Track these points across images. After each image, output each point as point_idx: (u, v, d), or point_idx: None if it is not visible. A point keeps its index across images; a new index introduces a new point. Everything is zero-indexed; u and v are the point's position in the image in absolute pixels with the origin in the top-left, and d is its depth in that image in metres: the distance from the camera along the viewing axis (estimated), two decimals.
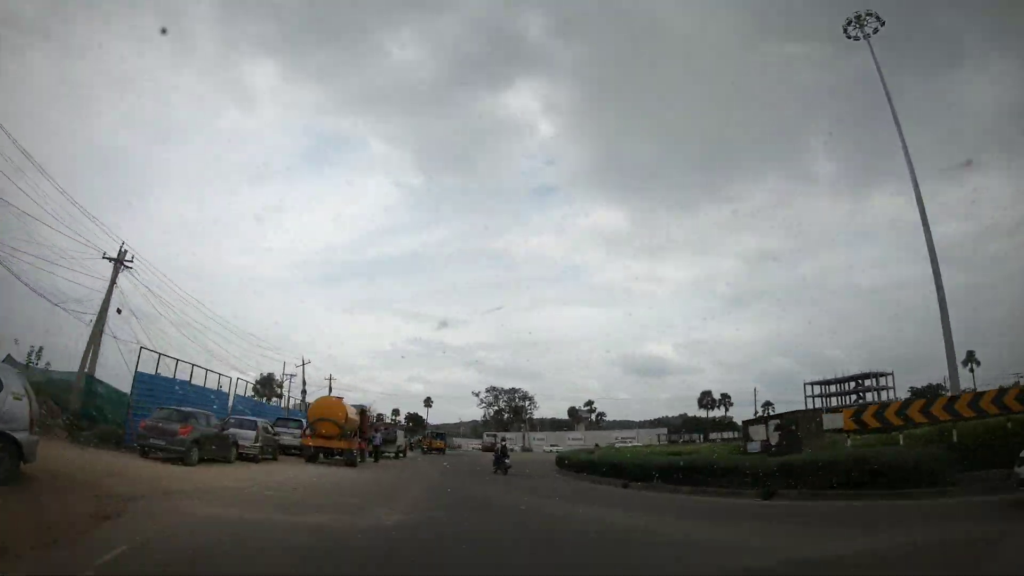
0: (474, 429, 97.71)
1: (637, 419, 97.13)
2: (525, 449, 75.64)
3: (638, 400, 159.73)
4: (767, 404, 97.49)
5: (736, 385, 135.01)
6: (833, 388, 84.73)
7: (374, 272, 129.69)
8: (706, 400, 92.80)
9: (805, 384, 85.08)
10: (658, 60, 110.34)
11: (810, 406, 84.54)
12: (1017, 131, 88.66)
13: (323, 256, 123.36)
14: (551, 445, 72.57)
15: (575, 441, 74.50)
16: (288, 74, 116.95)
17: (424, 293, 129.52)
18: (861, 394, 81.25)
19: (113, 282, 23.48)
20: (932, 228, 25.85)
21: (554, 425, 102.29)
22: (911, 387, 74.77)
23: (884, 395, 76.64)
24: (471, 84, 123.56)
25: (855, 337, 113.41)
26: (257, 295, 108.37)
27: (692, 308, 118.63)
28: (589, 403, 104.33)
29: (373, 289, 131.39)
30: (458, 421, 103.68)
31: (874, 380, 77.24)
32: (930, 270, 25.57)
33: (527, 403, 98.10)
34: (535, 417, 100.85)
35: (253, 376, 57.88)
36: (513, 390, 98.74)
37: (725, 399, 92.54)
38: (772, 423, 22.71)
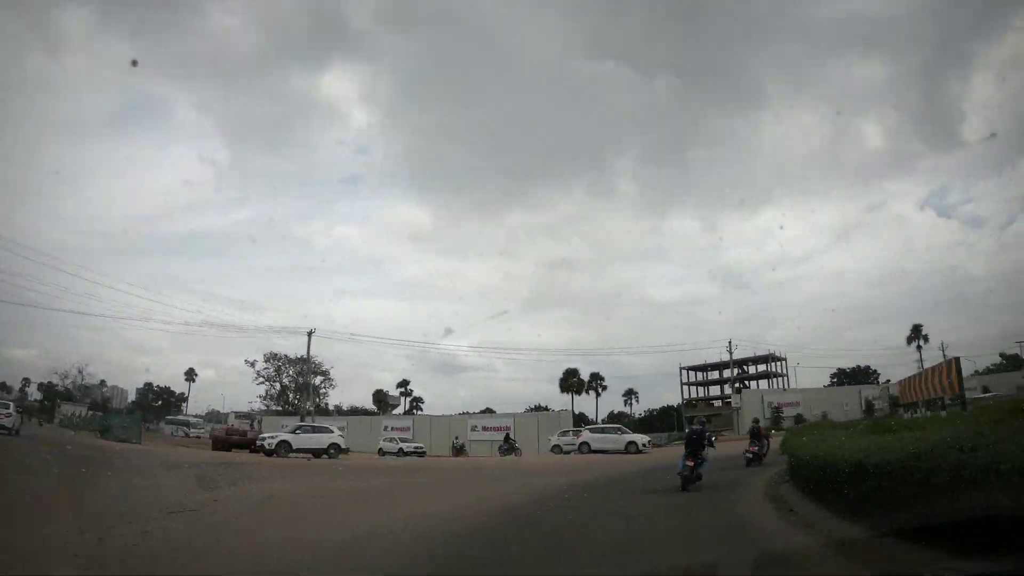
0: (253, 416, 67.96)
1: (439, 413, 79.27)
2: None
3: (435, 396, 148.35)
4: (629, 392, 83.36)
5: (533, 387, 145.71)
6: (715, 375, 71.21)
7: (173, 248, 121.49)
8: (572, 382, 73.59)
9: (682, 369, 70.37)
10: (480, 63, 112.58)
11: (687, 395, 71.22)
12: (804, 175, 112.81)
13: (123, 226, 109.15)
14: (393, 439, 42.73)
15: (401, 436, 44.59)
16: (102, 24, 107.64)
17: (225, 275, 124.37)
18: (746, 382, 68.47)
19: None
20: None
21: (355, 413, 76.11)
22: (839, 367, 63.45)
23: (777, 383, 64.26)
24: (289, 61, 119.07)
25: (650, 346, 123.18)
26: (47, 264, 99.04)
27: (491, 309, 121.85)
28: (404, 383, 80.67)
29: (172, 266, 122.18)
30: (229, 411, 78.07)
31: (768, 365, 63.95)
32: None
33: (322, 380, 69.87)
34: (329, 404, 74.48)
35: None
36: (302, 359, 65.97)
37: (596, 381, 74.43)
38: None
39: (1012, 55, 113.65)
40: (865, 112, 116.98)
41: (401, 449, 39.24)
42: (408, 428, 53.87)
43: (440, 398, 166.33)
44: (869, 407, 46.48)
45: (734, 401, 45.73)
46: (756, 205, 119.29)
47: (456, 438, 44.49)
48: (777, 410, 44.00)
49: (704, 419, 17.17)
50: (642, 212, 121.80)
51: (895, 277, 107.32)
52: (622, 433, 33.47)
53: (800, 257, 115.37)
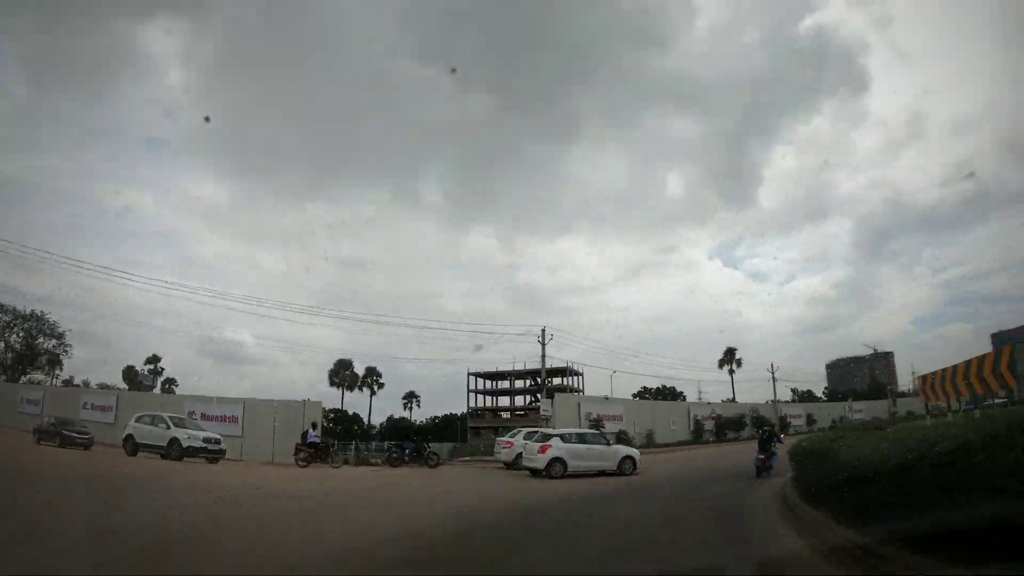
0: None
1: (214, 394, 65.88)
2: None
3: (213, 385, 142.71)
4: (410, 395, 75.39)
5: (318, 387, 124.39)
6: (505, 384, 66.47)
7: None
8: (344, 375, 63.84)
9: (470, 374, 64.74)
10: (307, 46, 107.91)
11: (474, 403, 65.54)
12: (606, 211, 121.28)
13: None
14: (163, 421, 23.91)
15: (174, 417, 25.13)
16: None
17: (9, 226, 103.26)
18: (536, 395, 64.45)
19: None
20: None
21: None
22: (643, 386, 61.33)
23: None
24: (114, 3, 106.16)
25: (435, 355, 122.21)
26: None
27: (282, 300, 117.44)
28: (154, 359, 65.81)
29: None
30: None
31: (564, 379, 60.73)
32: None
33: (56, 343, 56.24)
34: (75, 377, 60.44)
35: None
36: (35, 316, 54.45)
37: (373, 376, 65.32)
38: None
39: (813, 135, 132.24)
40: (672, 162, 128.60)
41: (176, 442, 22.33)
42: (111, 407, 38.71)
43: (218, 387, 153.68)
44: (698, 426, 43.17)
45: (543, 407, 39.18)
46: (557, 232, 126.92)
47: (313, 426, 26.73)
48: (597, 422, 37.96)
49: (772, 423, 19.19)
50: (444, 223, 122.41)
51: (678, 315, 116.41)
52: (611, 443, 21.63)
53: (592, 286, 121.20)
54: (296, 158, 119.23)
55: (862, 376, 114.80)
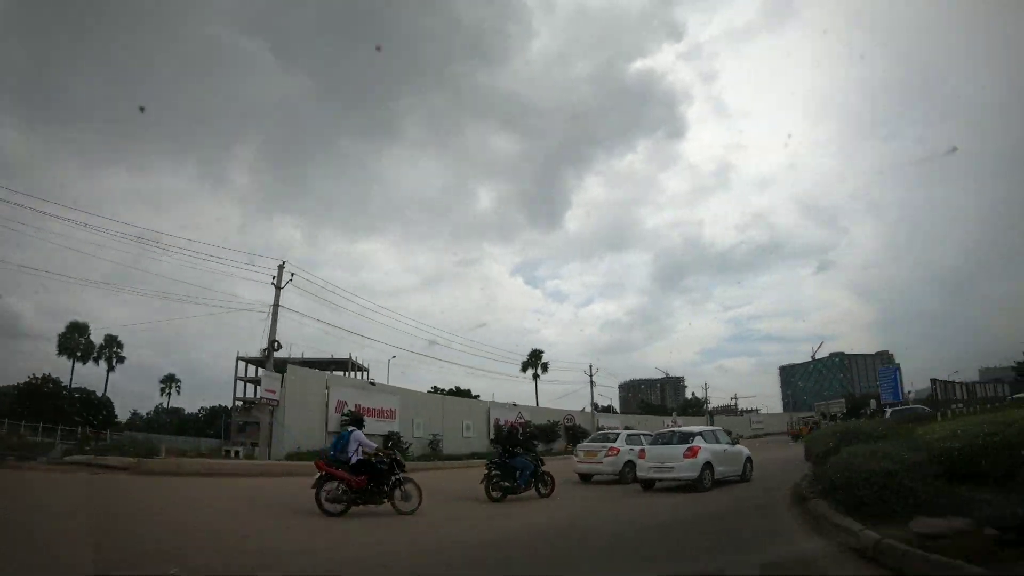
0: None
1: None
2: None
3: None
4: (170, 379, 63.43)
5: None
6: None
7: None
8: (76, 342, 51.44)
9: (239, 359, 55.16)
10: None
11: (244, 393, 55.76)
12: (414, 216, 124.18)
13: None
14: None
15: None
16: None
17: None
18: None
19: None
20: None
21: None
22: (435, 385, 54.04)
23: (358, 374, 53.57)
24: None
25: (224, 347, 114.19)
26: None
27: (74, 271, 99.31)
28: None
29: None
30: None
31: (348, 373, 53.35)
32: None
33: None
34: None
35: None
36: None
37: (112, 347, 53.18)
38: None
39: (626, 171, 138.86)
40: (485, 177, 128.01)
41: None
42: None
43: None
44: (499, 431, 33.82)
45: (265, 384, 25.60)
46: (363, 232, 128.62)
47: (356, 421, 12.76)
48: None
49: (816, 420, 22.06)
50: (249, 208, 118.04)
51: (477, 327, 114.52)
52: (734, 442, 17.44)
53: (392, 291, 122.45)
54: (101, 117, 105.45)
55: (655, 396, 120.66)
